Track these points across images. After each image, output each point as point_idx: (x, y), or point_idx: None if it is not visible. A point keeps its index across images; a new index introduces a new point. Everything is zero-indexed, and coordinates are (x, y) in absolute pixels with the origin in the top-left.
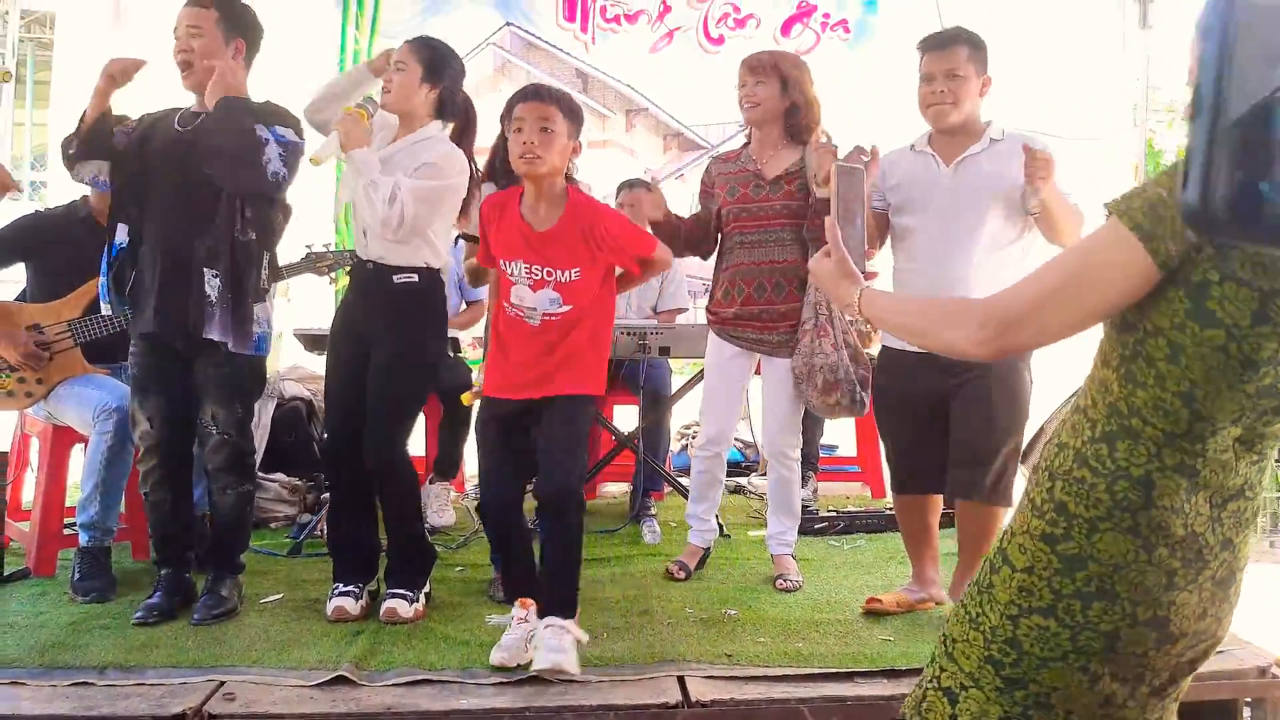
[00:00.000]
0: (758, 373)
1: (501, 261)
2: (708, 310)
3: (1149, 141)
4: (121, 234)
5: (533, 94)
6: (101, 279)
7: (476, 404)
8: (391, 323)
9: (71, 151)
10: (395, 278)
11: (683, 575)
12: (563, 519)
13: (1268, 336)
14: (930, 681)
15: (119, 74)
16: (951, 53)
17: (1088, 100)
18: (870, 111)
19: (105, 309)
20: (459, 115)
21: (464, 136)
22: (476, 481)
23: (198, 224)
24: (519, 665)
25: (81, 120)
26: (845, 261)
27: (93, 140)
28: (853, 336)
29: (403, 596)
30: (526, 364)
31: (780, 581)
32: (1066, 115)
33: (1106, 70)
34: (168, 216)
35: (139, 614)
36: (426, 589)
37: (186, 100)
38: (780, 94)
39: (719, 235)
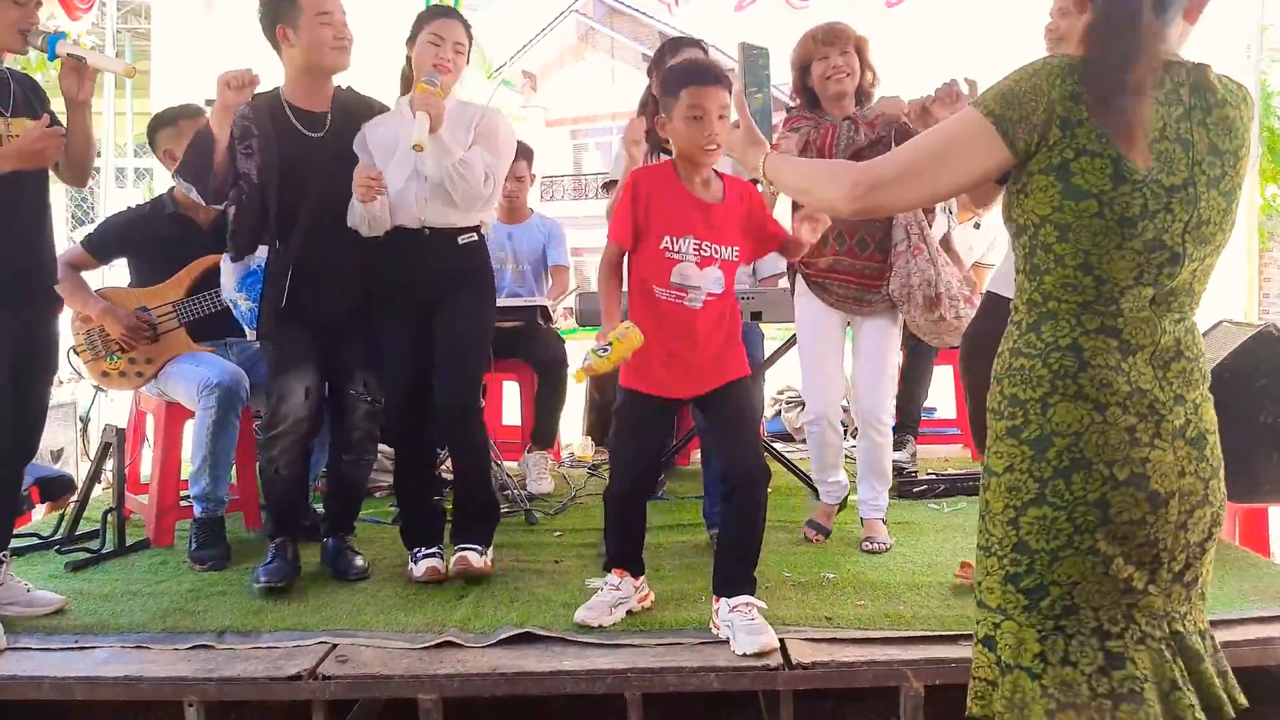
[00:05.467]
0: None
1: (666, 239)
2: (801, 263)
3: (1262, 82)
4: (262, 254)
5: (713, 79)
6: (250, 303)
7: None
8: (460, 281)
9: (208, 199)
10: (460, 239)
11: (820, 539)
12: (753, 497)
13: (1131, 194)
14: (975, 644)
15: (236, 90)
16: None
17: (1199, 42)
18: (968, 63)
19: (251, 335)
20: None
21: None
22: (608, 464)
23: (343, 222)
24: (600, 626)
25: (199, 150)
26: (752, 130)
27: (226, 179)
28: (948, 258)
29: (473, 549)
30: (689, 354)
31: (867, 544)
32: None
33: (1219, 10)
34: (323, 224)
35: (264, 579)
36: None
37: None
38: (858, 61)
39: None
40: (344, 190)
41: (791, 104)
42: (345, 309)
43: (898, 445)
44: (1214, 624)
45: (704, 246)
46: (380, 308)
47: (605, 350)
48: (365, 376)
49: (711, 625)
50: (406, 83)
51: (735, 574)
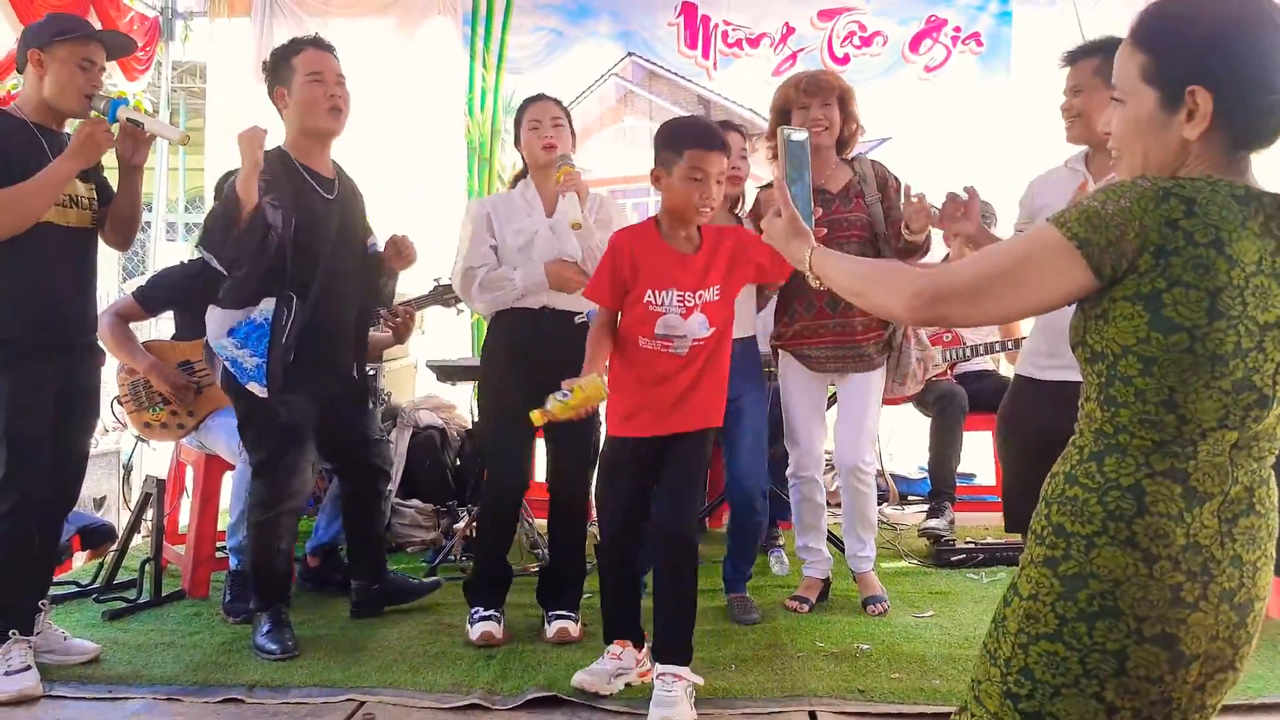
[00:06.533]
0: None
1: (650, 293)
2: (774, 337)
3: None
4: (268, 306)
5: (719, 143)
6: (257, 360)
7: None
8: (574, 357)
9: (225, 268)
10: (576, 319)
11: (804, 609)
12: (682, 561)
13: (1225, 331)
14: None
15: (258, 148)
16: (1076, 68)
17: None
18: (1004, 130)
19: (259, 390)
20: None
21: None
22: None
23: (356, 285)
24: (596, 694)
25: (222, 220)
26: (796, 219)
27: (250, 243)
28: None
29: (568, 617)
30: (670, 397)
31: (872, 606)
32: None
33: None
34: (330, 286)
35: (279, 652)
36: None
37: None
38: (839, 113)
39: None
40: (347, 256)
41: (767, 145)
42: (343, 377)
43: (935, 513)
44: (1261, 708)
45: (686, 297)
46: (492, 384)
47: (566, 396)
48: (377, 421)
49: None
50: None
51: (663, 638)
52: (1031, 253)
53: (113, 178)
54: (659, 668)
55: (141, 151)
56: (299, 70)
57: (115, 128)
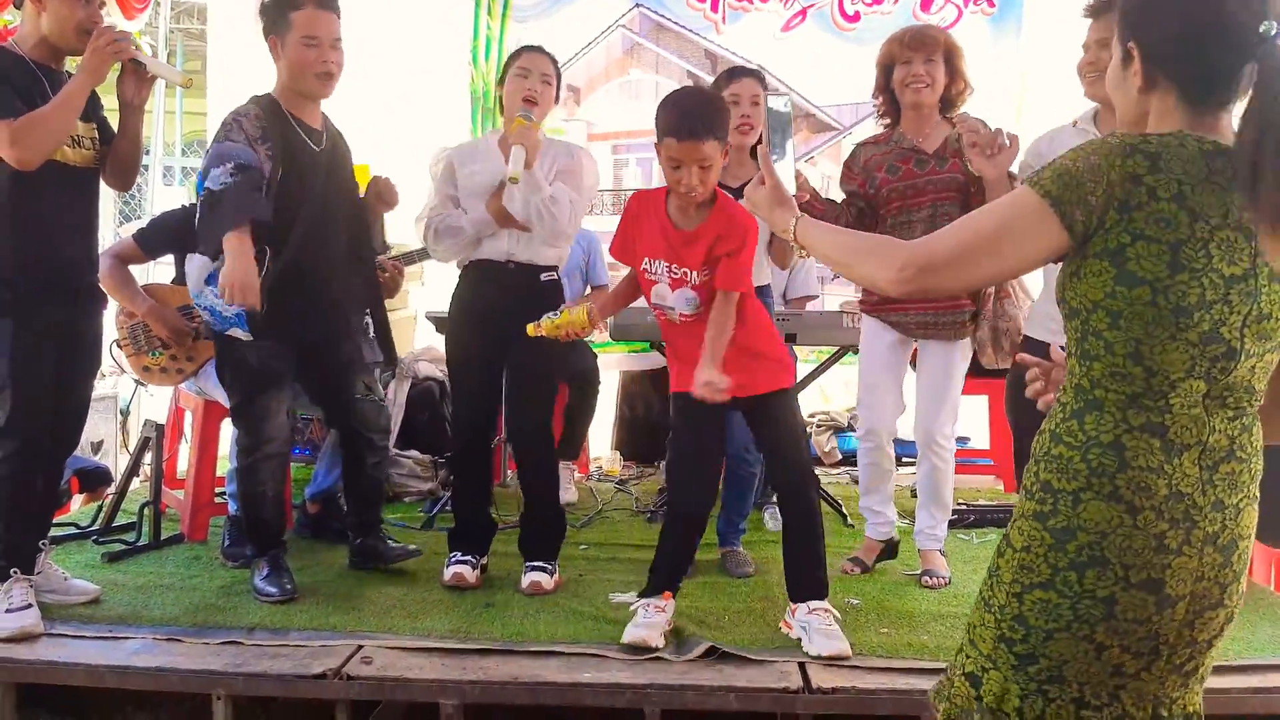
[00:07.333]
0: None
1: (645, 260)
2: (860, 302)
3: None
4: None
5: (688, 133)
6: (236, 306)
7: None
8: (539, 312)
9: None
10: (542, 276)
11: (855, 571)
12: (813, 519)
13: (1188, 283)
14: (956, 669)
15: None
16: (1103, 21)
17: None
18: (1015, 91)
19: (243, 335)
20: None
21: None
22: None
23: (342, 235)
24: (656, 647)
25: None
26: (779, 188)
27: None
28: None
29: (542, 569)
30: (696, 357)
31: (926, 578)
32: None
33: None
34: (313, 238)
35: (277, 594)
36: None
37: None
38: (945, 71)
39: (876, 218)
40: (333, 208)
41: (873, 102)
42: (326, 328)
43: None
44: (1245, 669)
45: (674, 269)
46: (454, 335)
47: (554, 315)
48: (366, 379)
49: (783, 626)
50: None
51: (810, 578)
52: (1009, 216)
53: (112, 119)
54: (812, 604)
55: (143, 92)
56: (295, 29)
57: (120, 47)
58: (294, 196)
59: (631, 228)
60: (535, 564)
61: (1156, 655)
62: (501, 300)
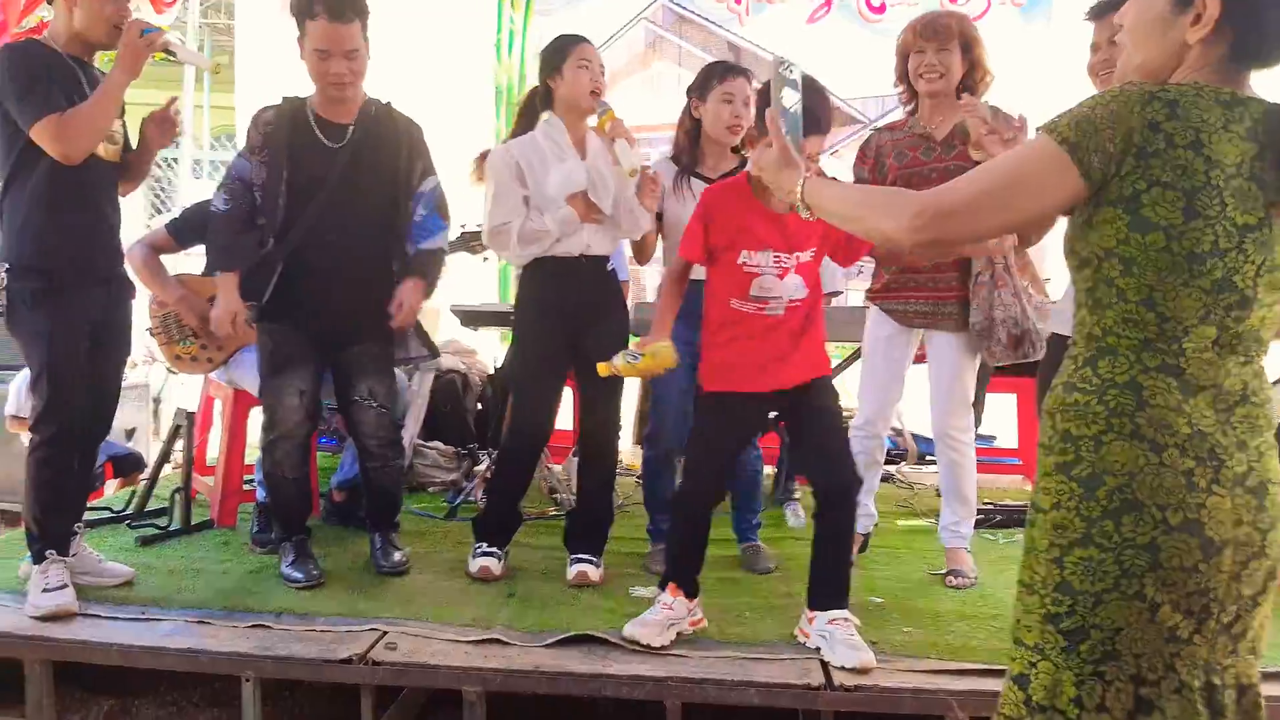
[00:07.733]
0: (919, 360)
1: (745, 253)
2: (866, 291)
3: None
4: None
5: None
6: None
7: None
8: (608, 304)
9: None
10: (607, 265)
11: None
12: (848, 518)
13: (1202, 230)
14: (1006, 680)
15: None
16: (1106, 21)
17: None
18: (1044, 85)
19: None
20: None
21: None
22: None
23: (364, 229)
24: (649, 646)
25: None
26: (787, 150)
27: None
28: (1029, 286)
29: (590, 561)
30: (772, 353)
31: (951, 578)
32: None
33: None
34: (326, 230)
35: (302, 579)
36: None
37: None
38: (962, 60)
39: None
40: (354, 201)
41: (896, 92)
42: (345, 320)
43: None
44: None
45: (782, 258)
46: (534, 333)
47: (636, 358)
48: (371, 384)
49: (798, 633)
50: (531, 114)
51: (832, 588)
52: (1026, 163)
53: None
54: (833, 613)
55: (167, 139)
56: (309, 38)
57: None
58: (302, 193)
59: (718, 225)
60: (582, 556)
61: (1207, 613)
62: (580, 294)
